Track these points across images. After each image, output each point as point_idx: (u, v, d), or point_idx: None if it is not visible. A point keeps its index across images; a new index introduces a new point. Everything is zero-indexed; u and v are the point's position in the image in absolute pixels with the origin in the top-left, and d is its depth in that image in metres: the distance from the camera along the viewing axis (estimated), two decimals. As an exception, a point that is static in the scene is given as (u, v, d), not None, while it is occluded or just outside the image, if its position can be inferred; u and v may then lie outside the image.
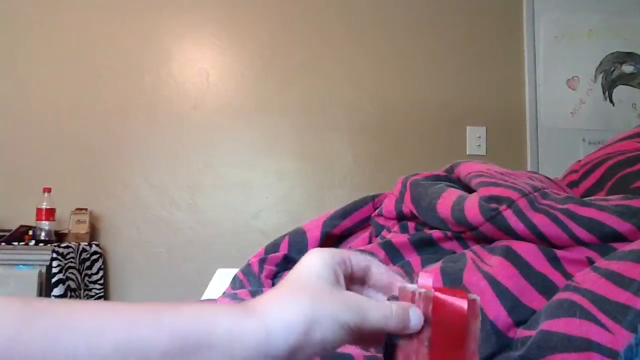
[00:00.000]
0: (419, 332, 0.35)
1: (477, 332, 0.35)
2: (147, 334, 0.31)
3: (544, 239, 0.60)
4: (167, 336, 0.31)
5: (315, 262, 0.37)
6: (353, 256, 0.39)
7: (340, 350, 0.57)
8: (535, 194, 0.64)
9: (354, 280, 0.40)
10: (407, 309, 0.36)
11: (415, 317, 0.36)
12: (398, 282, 0.40)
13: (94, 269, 2.16)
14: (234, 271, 0.88)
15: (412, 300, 0.36)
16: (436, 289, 0.35)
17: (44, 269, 1.92)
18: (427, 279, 0.37)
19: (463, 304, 0.35)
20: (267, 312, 0.34)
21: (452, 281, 0.57)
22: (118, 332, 0.30)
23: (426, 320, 0.35)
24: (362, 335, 0.36)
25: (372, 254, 0.51)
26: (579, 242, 0.58)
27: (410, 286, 0.37)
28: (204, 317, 0.33)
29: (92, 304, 0.32)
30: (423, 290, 0.36)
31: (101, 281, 2.18)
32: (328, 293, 0.35)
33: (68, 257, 1.99)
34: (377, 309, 0.36)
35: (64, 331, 0.29)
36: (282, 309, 0.34)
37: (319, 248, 0.39)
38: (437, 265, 0.62)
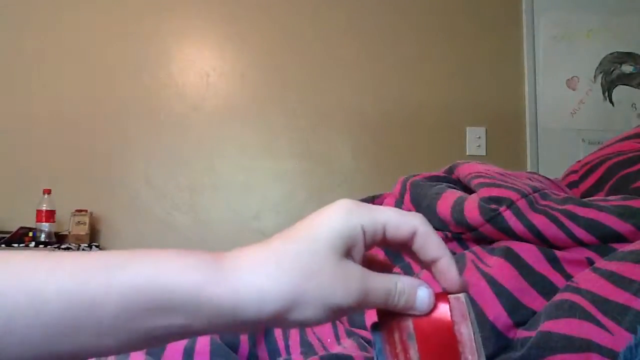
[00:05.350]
0: (405, 347, 0.32)
1: (470, 334, 0.32)
2: (97, 296, 0.28)
3: (543, 239, 0.60)
4: (119, 298, 0.28)
5: (333, 223, 0.32)
6: (393, 219, 0.33)
7: (340, 351, 0.57)
8: (535, 194, 0.64)
9: (390, 246, 0.35)
10: (415, 287, 0.32)
11: (423, 297, 0.32)
12: (443, 257, 0.34)
13: (94, 271, 2.16)
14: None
15: (391, 319, 0.33)
16: None
17: (44, 271, 1.91)
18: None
19: (444, 309, 0.32)
20: (243, 277, 0.30)
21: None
22: (61, 293, 0.28)
23: (410, 335, 0.32)
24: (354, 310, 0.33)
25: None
26: (579, 242, 0.58)
27: None
28: (163, 276, 0.29)
29: (39, 256, 0.30)
30: None
31: (101, 282, 2.18)
32: (327, 268, 0.31)
33: (68, 258, 1.99)
34: (380, 286, 0.32)
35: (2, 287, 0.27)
36: (261, 279, 0.30)
37: (349, 201, 0.34)
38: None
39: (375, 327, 0.35)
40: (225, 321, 0.30)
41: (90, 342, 0.28)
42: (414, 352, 0.32)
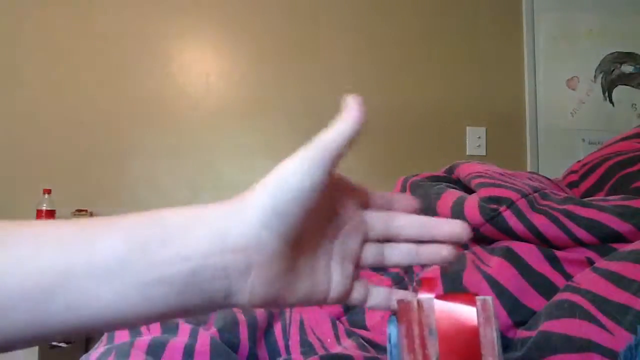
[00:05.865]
0: (425, 343, 0.32)
1: (493, 337, 0.31)
2: (98, 236, 0.30)
3: (543, 239, 0.60)
4: (112, 250, 0.30)
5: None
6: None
7: (340, 351, 0.57)
8: (535, 194, 0.64)
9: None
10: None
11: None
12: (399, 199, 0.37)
13: (94, 270, 2.16)
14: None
15: (413, 312, 0.33)
16: (438, 297, 0.32)
17: (44, 271, 1.91)
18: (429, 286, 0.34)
19: (471, 310, 0.32)
20: (233, 203, 0.33)
21: (452, 282, 0.57)
22: (55, 258, 0.29)
23: (432, 332, 0.32)
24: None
25: None
26: (579, 242, 0.58)
27: (410, 297, 0.34)
28: (156, 214, 0.32)
29: (31, 226, 0.31)
30: (424, 298, 0.33)
31: (101, 282, 2.18)
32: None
33: (68, 258, 1.99)
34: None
35: None
36: (255, 199, 0.32)
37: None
38: (437, 267, 0.62)
39: (392, 319, 0.35)
40: (216, 246, 0.30)
41: (89, 295, 0.29)
42: (433, 349, 0.31)
